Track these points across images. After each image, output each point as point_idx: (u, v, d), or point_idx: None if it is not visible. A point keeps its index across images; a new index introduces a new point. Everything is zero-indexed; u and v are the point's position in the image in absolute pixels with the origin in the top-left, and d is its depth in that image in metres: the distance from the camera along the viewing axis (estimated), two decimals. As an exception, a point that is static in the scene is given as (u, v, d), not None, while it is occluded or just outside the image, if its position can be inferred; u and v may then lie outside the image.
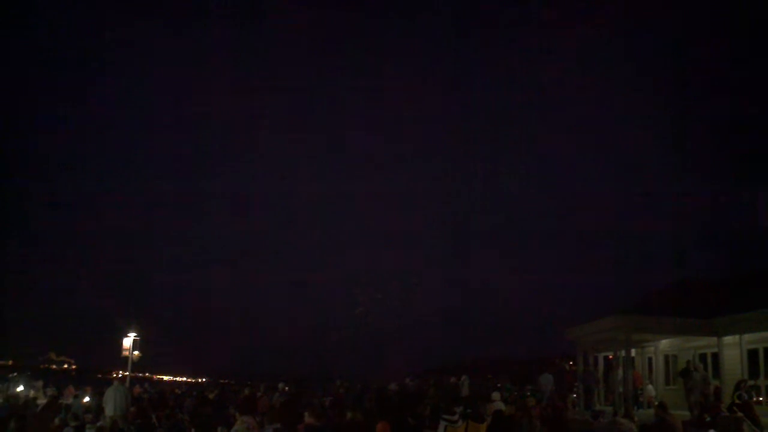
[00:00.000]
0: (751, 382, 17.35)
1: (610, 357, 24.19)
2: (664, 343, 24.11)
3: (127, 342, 28.67)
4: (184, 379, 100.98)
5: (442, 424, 9.86)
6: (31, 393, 22.70)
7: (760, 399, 18.79)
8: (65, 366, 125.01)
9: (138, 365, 30.86)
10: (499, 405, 15.62)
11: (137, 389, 24.67)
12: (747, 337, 19.46)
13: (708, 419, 13.48)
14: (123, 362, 29.55)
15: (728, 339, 19.95)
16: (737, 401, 14.68)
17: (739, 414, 13.52)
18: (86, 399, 21.00)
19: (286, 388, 22.78)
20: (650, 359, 25.34)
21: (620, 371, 21.36)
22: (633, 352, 23.31)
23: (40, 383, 26.83)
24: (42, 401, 20.49)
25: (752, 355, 19.70)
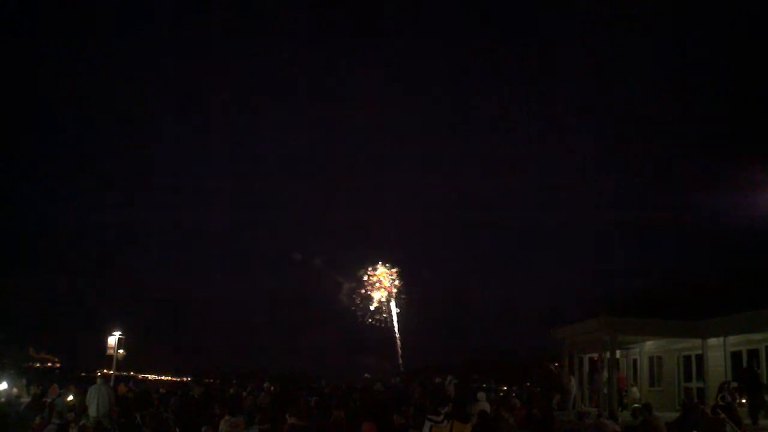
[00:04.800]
0: (734, 384, 17.50)
1: (595, 358, 24.31)
2: (649, 345, 24.26)
3: (112, 340, 28.57)
4: (169, 378, 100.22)
5: (427, 425, 9.83)
6: (15, 391, 22.45)
7: (743, 401, 18.95)
8: (49, 364, 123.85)
9: (122, 363, 30.75)
10: (485, 405, 15.62)
11: (122, 388, 24.50)
12: (731, 339, 19.64)
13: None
14: (108, 361, 29.44)
15: (712, 341, 20.12)
16: (720, 403, 14.83)
17: (722, 415, 13.64)
18: (70, 397, 20.83)
19: (272, 387, 22.75)
20: (635, 361, 25.48)
21: (605, 373, 21.47)
22: (618, 353, 23.44)
23: (23, 381, 26.57)
24: (25, 399, 20.32)
25: (736, 357, 19.87)
